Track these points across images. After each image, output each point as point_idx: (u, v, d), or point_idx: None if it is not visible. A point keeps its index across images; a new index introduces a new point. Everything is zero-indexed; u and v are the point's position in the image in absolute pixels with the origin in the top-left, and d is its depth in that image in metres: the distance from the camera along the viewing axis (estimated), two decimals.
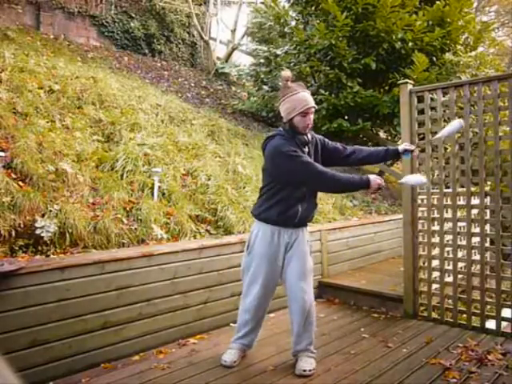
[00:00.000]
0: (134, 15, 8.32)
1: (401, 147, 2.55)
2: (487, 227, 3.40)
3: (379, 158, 2.61)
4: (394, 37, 6.08)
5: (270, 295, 2.55)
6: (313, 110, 2.41)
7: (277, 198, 2.39)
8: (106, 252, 2.81)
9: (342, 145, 2.61)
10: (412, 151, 2.55)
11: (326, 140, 2.62)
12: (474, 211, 3.31)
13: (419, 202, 3.41)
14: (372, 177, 2.28)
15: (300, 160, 2.28)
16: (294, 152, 2.28)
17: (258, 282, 2.45)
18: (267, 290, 2.49)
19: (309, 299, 2.47)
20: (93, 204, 3.20)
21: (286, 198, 2.37)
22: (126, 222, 3.17)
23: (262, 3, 8.73)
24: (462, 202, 3.42)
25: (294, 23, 7.37)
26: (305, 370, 2.38)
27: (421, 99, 3.39)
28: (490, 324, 3.02)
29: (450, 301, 3.29)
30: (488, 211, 3.50)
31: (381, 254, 4.89)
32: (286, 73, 2.39)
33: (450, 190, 3.28)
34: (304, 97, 2.36)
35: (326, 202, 5.04)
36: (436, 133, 3.30)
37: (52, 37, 7.02)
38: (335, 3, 6.13)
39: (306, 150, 2.44)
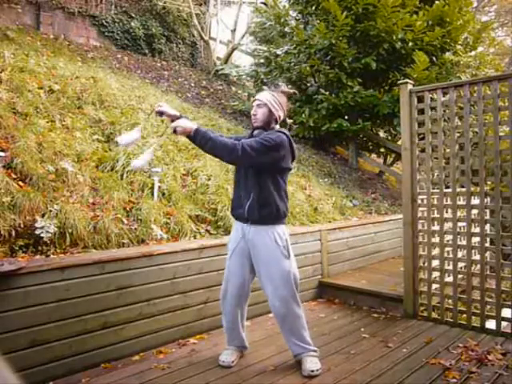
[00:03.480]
0: (134, 15, 8.32)
1: None
2: (487, 227, 3.40)
3: None
4: (394, 37, 6.09)
5: (237, 291, 2.52)
6: (255, 102, 2.47)
7: (233, 192, 2.59)
8: (106, 252, 2.81)
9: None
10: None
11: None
12: (474, 211, 3.31)
13: (419, 202, 3.41)
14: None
15: None
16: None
17: (225, 276, 2.58)
18: (232, 284, 2.52)
19: (282, 304, 2.41)
20: (93, 204, 3.20)
21: (235, 191, 2.54)
22: (125, 222, 3.17)
23: (263, 3, 8.75)
24: (462, 202, 3.42)
25: (294, 23, 7.37)
26: (312, 371, 2.37)
27: (421, 99, 3.39)
28: (490, 324, 3.03)
29: (449, 301, 3.29)
30: (488, 211, 3.50)
31: (381, 254, 4.89)
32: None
33: (449, 190, 3.28)
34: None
35: (326, 201, 5.05)
36: (436, 133, 3.31)
37: (52, 37, 7.01)
38: (336, 3, 6.14)
39: None
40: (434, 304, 3.32)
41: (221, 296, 2.61)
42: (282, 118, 2.50)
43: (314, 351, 2.50)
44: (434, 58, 6.36)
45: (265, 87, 2.54)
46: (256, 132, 2.48)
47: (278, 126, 2.50)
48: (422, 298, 3.37)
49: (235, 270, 2.52)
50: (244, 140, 2.32)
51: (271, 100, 2.43)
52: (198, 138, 2.22)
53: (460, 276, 3.23)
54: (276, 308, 2.44)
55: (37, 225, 2.70)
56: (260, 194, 2.38)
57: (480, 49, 7.20)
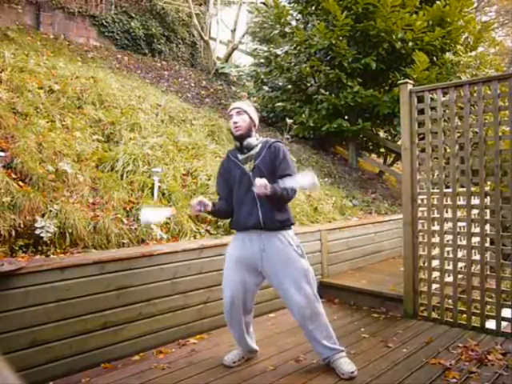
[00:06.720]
0: (134, 15, 8.32)
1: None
2: (487, 227, 3.39)
3: None
4: (394, 37, 6.09)
5: (239, 299, 2.42)
6: (234, 110, 2.43)
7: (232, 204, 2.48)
8: (106, 252, 2.81)
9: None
10: None
11: (281, 161, 2.39)
12: (474, 211, 3.31)
13: (419, 202, 3.41)
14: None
15: None
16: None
17: (225, 285, 2.46)
18: (234, 294, 2.40)
19: (307, 303, 2.38)
20: (93, 204, 3.20)
21: (235, 203, 2.44)
22: (125, 222, 3.17)
23: (263, 3, 8.74)
24: (462, 202, 3.42)
25: (294, 23, 7.37)
26: (352, 372, 2.34)
27: (421, 99, 3.39)
28: (490, 324, 3.02)
29: (449, 301, 3.29)
30: (488, 211, 3.50)
31: (381, 253, 4.89)
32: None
33: (449, 190, 3.28)
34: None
35: (326, 201, 5.04)
36: (436, 133, 3.31)
37: (52, 37, 7.02)
38: (336, 3, 6.14)
39: (244, 155, 2.42)
40: (433, 304, 3.31)
41: (224, 307, 2.47)
42: (257, 124, 2.51)
43: (343, 351, 2.47)
44: (434, 58, 6.36)
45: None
46: (245, 143, 2.39)
47: (255, 133, 2.48)
48: (422, 298, 3.37)
49: (234, 281, 2.41)
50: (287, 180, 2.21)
51: (249, 107, 2.47)
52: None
53: (460, 276, 3.23)
54: (302, 308, 2.37)
55: (37, 225, 2.70)
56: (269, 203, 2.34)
57: (480, 49, 7.20)
